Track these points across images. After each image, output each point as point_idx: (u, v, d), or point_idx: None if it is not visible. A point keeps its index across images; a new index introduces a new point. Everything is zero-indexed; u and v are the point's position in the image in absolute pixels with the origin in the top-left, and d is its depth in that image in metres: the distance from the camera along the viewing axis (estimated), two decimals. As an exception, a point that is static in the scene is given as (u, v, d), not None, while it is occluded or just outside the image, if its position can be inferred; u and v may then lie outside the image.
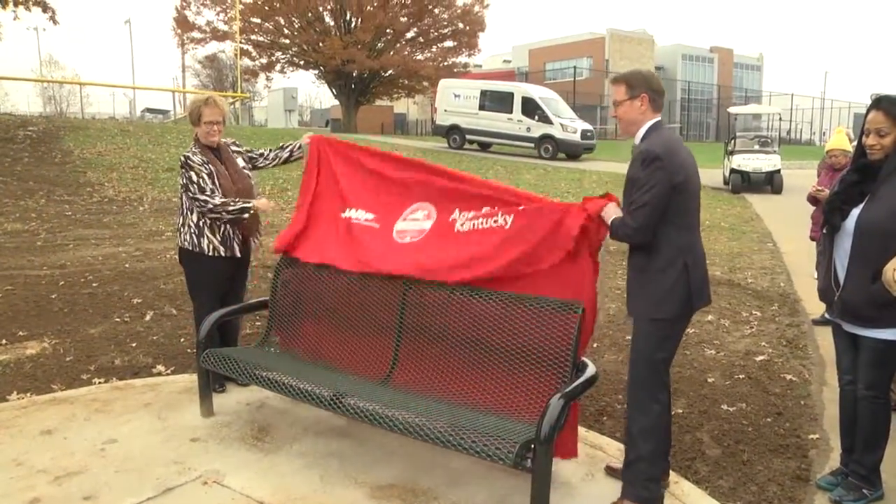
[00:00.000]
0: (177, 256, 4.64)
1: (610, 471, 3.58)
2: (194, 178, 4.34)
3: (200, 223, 4.41)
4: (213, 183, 4.38)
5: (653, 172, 2.98)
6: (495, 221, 3.73)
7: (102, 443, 3.83)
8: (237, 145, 4.72)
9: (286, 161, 4.84)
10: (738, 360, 5.54)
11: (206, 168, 4.37)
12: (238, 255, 4.49)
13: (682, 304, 3.11)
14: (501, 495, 3.39)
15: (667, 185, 2.98)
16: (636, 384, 3.19)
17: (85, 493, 3.31)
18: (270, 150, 4.81)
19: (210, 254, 4.42)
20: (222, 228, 4.42)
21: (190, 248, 4.44)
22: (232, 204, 4.34)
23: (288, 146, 4.81)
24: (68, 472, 3.49)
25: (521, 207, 3.66)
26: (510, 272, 3.61)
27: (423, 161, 4.37)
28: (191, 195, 4.34)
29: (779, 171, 17.90)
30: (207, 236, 4.42)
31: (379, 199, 4.31)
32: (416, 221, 4.09)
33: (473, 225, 3.82)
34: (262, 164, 4.78)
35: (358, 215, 4.33)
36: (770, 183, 17.85)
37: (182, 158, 4.40)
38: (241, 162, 4.61)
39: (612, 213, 3.16)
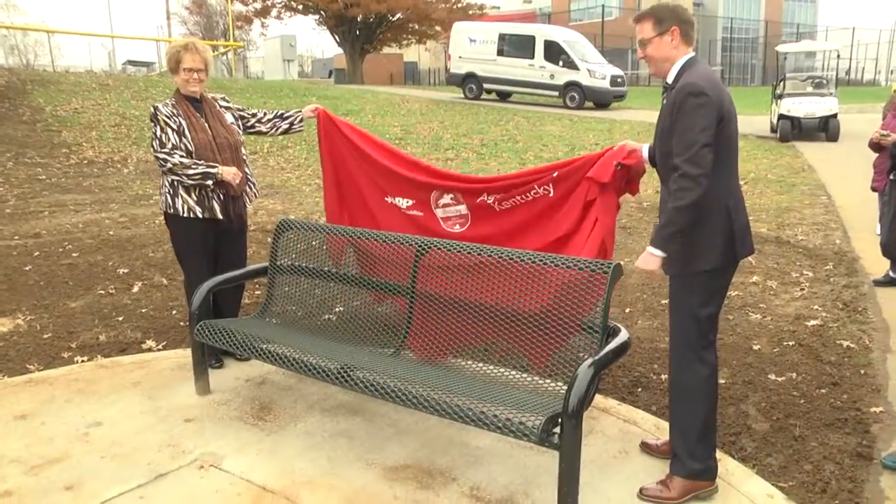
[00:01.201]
0: (164, 221, 4.65)
1: (645, 447, 3.58)
2: (158, 131, 4.32)
3: (174, 182, 4.40)
4: (181, 138, 4.34)
5: (701, 108, 2.93)
6: (536, 193, 3.95)
7: (86, 426, 3.86)
8: (226, 100, 4.69)
9: (285, 132, 4.81)
10: (787, 325, 5.50)
11: (174, 121, 4.34)
12: (219, 216, 4.46)
13: (726, 253, 3.09)
14: (526, 475, 3.40)
15: (716, 120, 2.95)
16: (680, 346, 3.18)
17: (66, 482, 3.33)
18: (267, 115, 4.77)
19: (186, 215, 4.40)
20: (197, 188, 4.41)
21: (167, 210, 4.45)
22: (193, 167, 4.30)
23: (289, 116, 4.77)
24: (46, 461, 3.51)
25: (555, 174, 3.88)
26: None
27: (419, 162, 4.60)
28: (153, 150, 4.34)
29: (835, 115, 17.60)
30: (182, 196, 4.40)
31: (404, 185, 4.50)
32: (450, 206, 4.28)
33: (513, 203, 4.07)
34: (255, 129, 4.75)
35: (399, 202, 4.52)
36: (825, 129, 17.60)
37: (151, 110, 4.38)
38: (228, 118, 4.58)
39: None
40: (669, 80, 3.15)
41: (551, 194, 3.92)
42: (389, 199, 4.57)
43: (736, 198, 3.12)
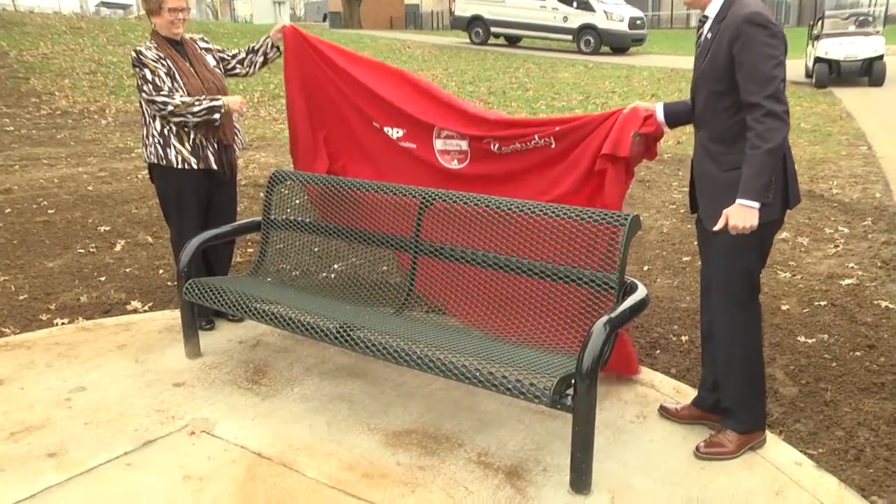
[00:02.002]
0: (148, 176, 4.67)
1: (664, 411, 3.64)
2: (148, 76, 4.31)
3: (165, 131, 4.41)
4: (174, 82, 4.35)
5: (772, 39, 2.91)
6: (536, 143, 3.91)
7: (68, 392, 3.93)
8: (205, 41, 4.69)
9: (263, 65, 4.81)
10: (818, 284, 5.54)
11: (162, 64, 4.34)
12: (213, 166, 4.50)
13: (781, 202, 3.11)
14: (537, 441, 3.47)
15: (785, 54, 2.94)
16: (730, 304, 3.24)
17: (49, 449, 3.40)
18: (241, 52, 4.78)
19: (179, 166, 4.43)
20: (191, 135, 4.42)
21: (156, 162, 4.46)
22: (197, 104, 4.32)
23: (260, 47, 4.78)
24: (27, 427, 3.58)
25: (556, 128, 3.83)
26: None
27: (404, 73, 4.48)
28: (145, 97, 4.32)
29: (881, 57, 17.24)
30: (174, 146, 4.42)
31: (395, 114, 4.42)
32: (451, 140, 4.24)
33: (513, 149, 4.02)
34: (235, 71, 4.77)
35: (390, 132, 4.46)
36: (868, 73, 17.32)
37: (133, 54, 4.36)
38: (210, 60, 4.60)
39: None
40: (711, 12, 3.12)
41: (553, 146, 3.90)
42: (377, 125, 4.51)
43: (787, 141, 3.11)
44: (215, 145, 4.50)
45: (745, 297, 3.24)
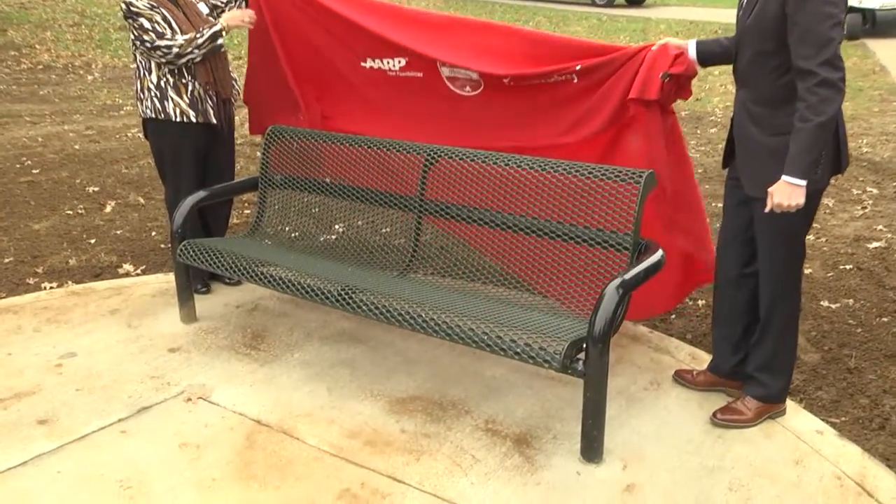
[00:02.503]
0: (140, 134, 4.68)
1: (679, 377, 3.69)
2: (146, 24, 4.30)
3: (162, 83, 4.42)
4: (170, 28, 4.35)
5: None
6: (556, 80, 3.81)
7: (59, 357, 3.99)
8: None
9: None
10: (844, 247, 5.56)
11: (157, 12, 4.33)
12: (213, 120, 4.52)
13: (831, 169, 3.08)
14: (547, 408, 3.53)
15: (844, 10, 2.85)
16: (782, 275, 3.24)
17: (39, 415, 3.46)
18: None
19: (178, 119, 4.44)
20: (189, 87, 4.43)
21: (154, 116, 4.46)
22: (199, 35, 4.32)
23: None
24: (16, 394, 3.64)
25: (577, 67, 3.71)
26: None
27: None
28: (148, 46, 4.30)
29: None
30: (172, 98, 4.43)
31: (392, 44, 4.29)
32: (459, 69, 4.11)
33: (530, 84, 3.91)
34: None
35: (386, 64, 4.36)
36: (906, 22, 17.16)
37: (123, 6, 4.34)
38: (203, 8, 4.56)
39: None
40: None
41: (575, 81, 3.78)
42: (369, 64, 4.43)
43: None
44: (214, 98, 4.52)
45: (797, 269, 3.25)
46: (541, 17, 21.04)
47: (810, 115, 2.80)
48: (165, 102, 4.42)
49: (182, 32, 4.36)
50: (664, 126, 3.60)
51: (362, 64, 4.44)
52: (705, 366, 3.69)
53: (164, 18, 4.34)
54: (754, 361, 3.41)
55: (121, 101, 10.83)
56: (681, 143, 3.70)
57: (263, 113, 4.87)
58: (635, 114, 3.56)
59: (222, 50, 4.50)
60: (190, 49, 4.30)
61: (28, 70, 12.70)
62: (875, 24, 17.17)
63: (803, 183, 2.87)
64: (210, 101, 4.51)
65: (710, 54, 3.42)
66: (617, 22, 20.04)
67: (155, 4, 4.35)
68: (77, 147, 8.45)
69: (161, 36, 4.30)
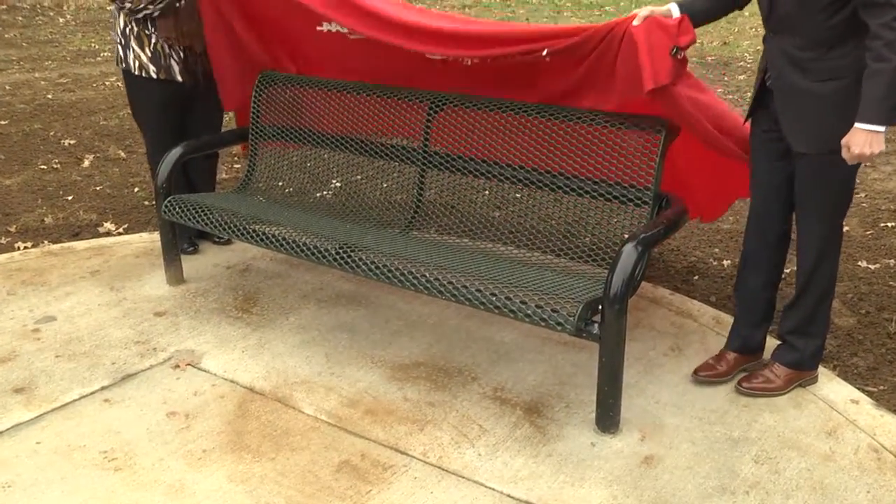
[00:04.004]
0: (120, 82, 4.68)
1: (702, 375, 3.55)
2: None
3: (126, 30, 4.41)
4: None
5: None
6: (522, 60, 3.72)
7: (35, 322, 4.03)
8: None
9: None
10: (885, 203, 5.57)
11: None
12: (178, 78, 4.47)
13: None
14: (560, 375, 3.56)
15: None
16: (826, 230, 3.24)
17: (15, 383, 3.51)
18: None
19: (138, 73, 4.43)
20: (152, 40, 4.39)
21: (118, 65, 4.49)
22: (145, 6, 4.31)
23: None
24: (-9, 360, 3.70)
25: (544, 53, 3.53)
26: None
27: None
28: None
29: None
30: (133, 49, 4.42)
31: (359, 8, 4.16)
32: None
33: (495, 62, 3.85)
34: None
35: (336, 28, 4.33)
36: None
37: None
38: None
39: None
40: None
41: (547, 60, 3.63)
42: (325, 27, 4.37)
43: None
44: (181, 53, 4.46)
45: (837, 218, 3.24)
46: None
47: (890, 53, 2.74)
48: (128, 52, 4.43)
49: None
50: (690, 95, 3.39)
51: (318, 28, 4.40)
52: (721, 348, 3.63)
53: None
54: (788, 324, 3.42)
55: (97, 47, 10.80)
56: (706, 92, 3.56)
57: (233, 85, 4.76)
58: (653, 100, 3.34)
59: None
60: (143, 3, 4.29)
61: (-7, 12, 12.65)
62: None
63: (883, 129, 2.85)
64: (175, 57, 4.45)
65: (697, 13, 3.28)
66: None
67: None
68: (50, 97, 8.44)
69: None
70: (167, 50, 4.43)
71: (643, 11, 3.22)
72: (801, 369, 3.42)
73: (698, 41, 10.61)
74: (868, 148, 2.85)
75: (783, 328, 3.44)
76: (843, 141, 2.91)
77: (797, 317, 3.39)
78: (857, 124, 2.86)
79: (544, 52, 3.50)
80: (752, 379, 3.42)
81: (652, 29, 3.17)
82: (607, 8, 14.16)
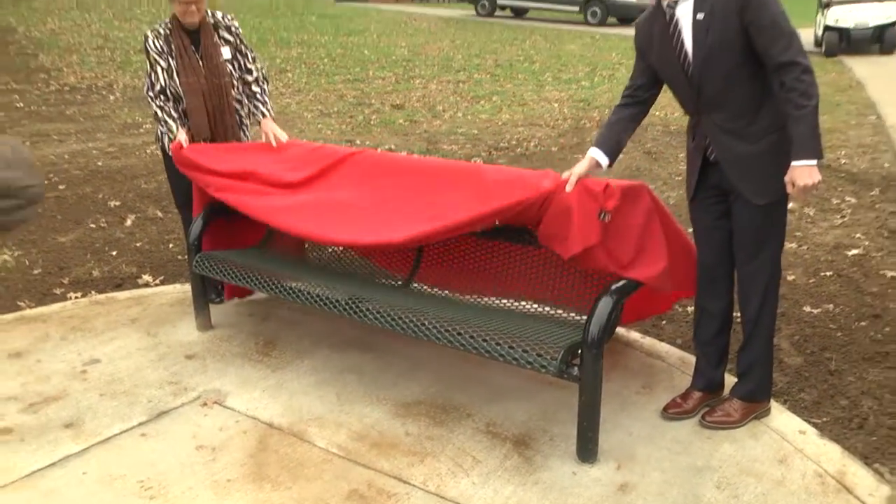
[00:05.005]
0: (159, 151, 4.67)
1: (670, 411, 3.48)
2: (148, 68, 4.30)
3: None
4: (170, 80, 4.28)
5: None
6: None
7: (83, 364, 3.98)
8: (232, 31, 4.44)
9: (250, 113, 4.64)
10: (824, 255, 5.54)
11: (163, 59, 4.26)
12: None
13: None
14: (545, 411, 3.51)
15: None
16: (768, 280, 3.24)
17: (65, 420, 3.46)
18: (257, 93, 4.57)
19: (169, 153, 4.37)
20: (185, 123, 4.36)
21: (159, 144, 4.49)
22: (164, 122, 4.30)
23: (258, 110, 4.59)
24: (44, 398, 3.63)
25: (497, 223, 3.42)
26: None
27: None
28: (145, 86, 4.35)
29: (893, 24, 17.01)
30: (161, 125, 4.39)
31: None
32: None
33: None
34: (246, 88, 4.58)
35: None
36: (879, 40, 17.05)
37: (144, 35, 4.31)
38: (226, 53, 4.39)
39: None
40: None
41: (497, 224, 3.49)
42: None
43: None
44: (205, 141, 4.38)
45: (778, 258, 3.24)
46: (537, 35, 21.08)
47: (805, 100, 2.83)
48: (163, 135, 4.41)
49: (183, 83, 4.26)
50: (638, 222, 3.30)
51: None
52: (686, 387, 3.57)
53: (168, 66, 4.28)
54: (742, 365, 3.38)
55: (140, 120, 10.83)
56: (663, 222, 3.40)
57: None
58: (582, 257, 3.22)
59: (232, 109, 4.43)
60: (158, 120, 4.33)
61: (56, 91, 12.71)
62: (850, 43, 17.15)
63: (815, 162, 2.88)
64: (203, 140, 4.38)
65: (616, 147, 3.31)
66: (609, 40, 20.08)
67: (168, 49, 4.27)
68: (100, 164, 8.45)
69: (151, 87, 4.30)
70: (194, 138, 4.35)
71: (576, 170, 3.21)
72: (755, 401, 3.38)
73: (661, 112, 10.77)
74: (810, 179, 2.88)
75: (739, 368, 3.41)
76: (787, 179, 2.94)
77: (749, 357, 3.36)
78: (794, 163, 2.90)
79: (497, 223, 3.41)
80: (714, 413, 3.38)
81: (582, 197, 3.14)
82: (583, 83, 14.26)
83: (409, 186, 3.69)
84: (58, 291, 5.04)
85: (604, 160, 3.26)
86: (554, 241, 3.24)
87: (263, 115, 4.56)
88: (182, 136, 4.25)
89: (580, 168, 3.22)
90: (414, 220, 3.48)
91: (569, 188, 3.16)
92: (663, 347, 4.11)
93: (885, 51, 16.99)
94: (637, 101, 3.32)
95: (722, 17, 2.93)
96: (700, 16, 2.97)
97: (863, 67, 15.29)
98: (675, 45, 3.07)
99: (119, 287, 5.13)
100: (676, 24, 3.04)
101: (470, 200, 3.37)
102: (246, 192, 4.05)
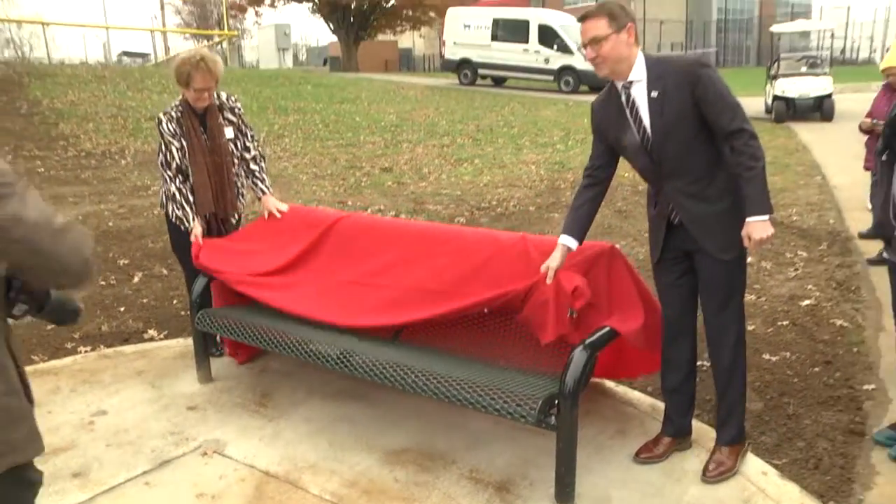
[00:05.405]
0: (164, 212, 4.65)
1: (642, 456, 3.44)
2: (162, 147, 4.30)
3: (169, 187, 4.34)
4: (182, 159, 4.28)
5: (717, 74, 2.97)
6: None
7: (91, 415, 3.91)
8: (235, 113, 4.45)
9: (246, 185, 4.62)
10: (781, 305, 5.55)
11: (177, 141, 4.26)
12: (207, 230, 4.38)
13: None
14: (525, 457, 3.46)
15: None
16: (736, 331, 3.24)
17: (73, 469, 3.39)
18: (254, 164, 4.54)
19: (175, 222, 4.36)
20: (190, 199, 4.33)
21: (163, 210, 4.45)
22: (177, 208, 4.29)
23: (258, 185, 4.57)
24: (54, 449, 3.55)
25: (486, 310, 3.60)
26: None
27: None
28: (159, 161, 4.33)
29: (830, 95, 17.50)
30: (173, 204, 4.35)
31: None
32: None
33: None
34: (244, 165, 4.56)
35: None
36: (819, 109, 17.52)
37: (157, 118, 4.32)
38: (229, 133, 4.39)
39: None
40: (638, 76, 3.04)
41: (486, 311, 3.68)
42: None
43: None
44: (206, 215, 4.38)
45: (742, 309, 3.26)
46: (515, 103, 21.31)
47: (754, 162, 2.90)
48: (168, 203, 4.37)
49: (192, 163, 4.28)
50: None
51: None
52: (657, 431, 3.53)
53: (181, 148, 4.28)
54: (722, 414, 3.34)
55: (149, 183, 10.82)
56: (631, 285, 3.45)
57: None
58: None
59: (233, 184, 4.44)
60: (171, 199, 4.32)
61: (73, 157, 12.69)
62: (796, 110, 17.53)
63: (768, 217, 2.94)
64: (202, 218, 4.36)
65: (584, 229, 3.31)
66: (582, 106, 20.26)
67: (181, 131, 4.28)
68: (111, 224, 8.42)
69: (167, 166, 4.30)
70: (197, 209, 4.34)
71: (553, 264, 3.22)
72: (737, 442, 3.34)
73: (630, 174, 10.83)
74: (764, 233, 2.93)
75: (720, 417, 3.36)
76: (744, 234, 2.97)
77: (727, 405, 3.32)
78: (749, 219, 2.95)
79: (486, 310, 3.59)
80: (710, 470, 3.27)
81: (558, 292, 3.16)
82: (558, 146, 14.40)
83: (405, 266, 3.86)
84: (69, 346, 4.98)
85: (574, 244, 3.27)
86: (533, 326, 3.29)
87: (263, 193, 4.56)
88: (197, 229, 4.28)
89: (555, 262, 3.22)
90: (410, 306, 3.65)
91: (548, 281, 3.19)
92: (635, 395, 4.07)
93: (824, 118, 17.43)
94: (597, 181, 3.31)
95: (675, 94, 2.98)
96: (654, 94, 3.02)
97: (807, 133, 15.53)
98: (634, 122, 3.10)
99: (126, 341, 5.07)
100: (633, 103, 3.08)
101: (462, 288, 3.55)
102: (262, 286, 4.14)
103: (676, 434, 3.46)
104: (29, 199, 1.65)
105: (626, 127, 3.12)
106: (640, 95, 3.06)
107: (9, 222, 1.59)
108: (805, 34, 26.33)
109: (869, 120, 6.13)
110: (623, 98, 3.10)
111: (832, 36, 22.97)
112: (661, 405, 3.84)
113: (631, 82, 3.06)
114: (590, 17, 3.03)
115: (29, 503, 1.84)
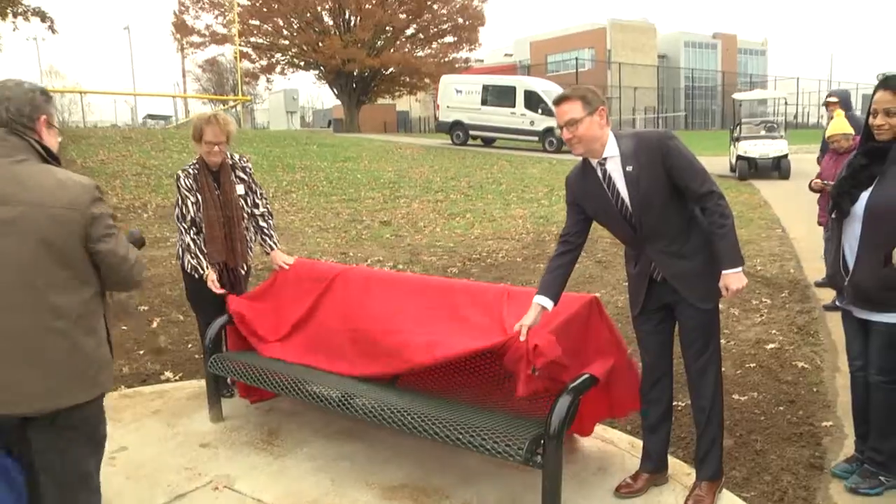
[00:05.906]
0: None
1: (622, 491, 3.39)
2: (179, 202, 4.32)
3: (186, 238, 4.34)
4: (196, 213, 4.28)
5: (682, 144, 3.04)
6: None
7: (112, 451, 3.83)
8: (246, 171, 4.46)
9: (255, 239, 4.62)
10: (748, 349, 5.53)
11: (192, 195, 4.28)
12: (216, 284, 4.33)
13: None
14: (513, 493, 3.40)
15: None
16: (716, 373, 3.24)
17: (95, 502, 3.33)
18: (263, 221, 4.53)
19: (189, 271, 4.35)
20: (205, 251, 4.33)
21: (179, 261, 4.44)
22: (192, 258, 4.29)
23: (266, 241, 4.57)
24: (79, 482, 3.50)
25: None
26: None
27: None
28: (176, 214, 4.35)
29: (786, 155, 17.77)
30: (187, 255, 4.35)
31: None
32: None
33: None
34: (254, 221, 4.55)
35: None
36: (777, 168, 17.75)
37: (176, 175, 4.33)
38: (240, 189, 4.39)
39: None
40: (611, 152, 3.07)
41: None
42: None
43: None
44: (219, 265, 4.36)
45: (719, 351, 3.27)
46: (504, 161, 21.46)
47: (724, 220, 2.98)
48: (184, 255, 4.36)
49: (206, 217, 4.28)
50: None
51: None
52: (635, 469, 3.48)
53: (196, 202, 4.29)
54: (702, 449, 3.30)
55: (168, 234, 10.81)
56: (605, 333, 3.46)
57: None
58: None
59: (242, 237, 4.42)
60: (185, 250, 4.31)
61: (98, 210, 12.71)
62: (757, 169, 17.72)
63: (741, 269, 3.01)
64: (215, 267, 4.34)
65: (559, 290, 3.25)
66: (565, 165, 20.38)
67: (196, 187, 4.29)
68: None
69: (183, 219, 4.30)
70: (210, 261, 4.33)
71: (526, 322, 3.15)
72: (716, 478, 3.31)
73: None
74: (740, 284, 3.00)
75: (699, 454, 3.32)
76: (721, 285, 3.03)
77: (706, 443, 3.28)
78: (725, 271, 3.01)
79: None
80: None
81: (523, 349, 3.06)
82: (543, 202, 14.48)
83: (398, 317, 3.84)
84: (92, 386, 4.90)
85: (549, 305, 3.20)
86: (513, 376, 3.23)
87: (271, 248, 4.56)
88: (212, 275, 4.28)
89: (529, 319, 3.15)
90: (403, 356, 3.59)
91: (522, 338, 3.10)
92: (615, 434, 4.03)
93: (782, 176, 17.64)
94: (573, 247, 3.30)
95: (649, 167, 3.02)
96: (629, 168, 3.05)
97: (768, 190, 15.66)
98: (612, 195, 3.12)
99: (144, 382, 5.02)
100: (609, 177, 3.11)
101: (449, 339, 3.51)
102: (281, 350, 4.15)
103: (654, 470, 3.43)
104: (120, 239, 2.43)
105: (605, 200, 3.14)
106: (616, 171, 3.08)
107: (108, 254, 2.38)
108: (762, 101, 26.67)
109: (819, 181, 6.21)
110: (599, 174, 3.13)
111: (786, 103, 23.30)
112: (639, 442, 3.80)
113: (605, 159, 3.09)
114: (565, 101, 3.06)
115: (103, 415, 2.59)
